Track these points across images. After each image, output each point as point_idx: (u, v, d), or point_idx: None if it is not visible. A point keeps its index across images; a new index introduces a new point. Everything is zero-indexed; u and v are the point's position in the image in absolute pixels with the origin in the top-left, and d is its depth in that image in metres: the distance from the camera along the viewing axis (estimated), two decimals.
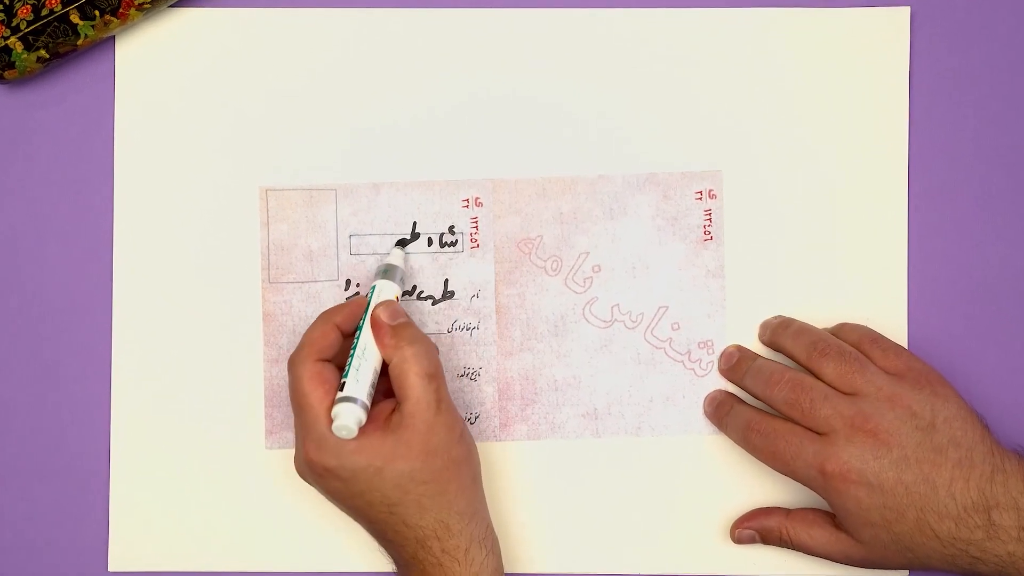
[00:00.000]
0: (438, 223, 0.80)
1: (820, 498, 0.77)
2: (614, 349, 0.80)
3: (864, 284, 0.80)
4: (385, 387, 0.74)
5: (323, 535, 0.80)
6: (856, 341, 0.77)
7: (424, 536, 0.72)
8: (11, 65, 0.77)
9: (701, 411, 0.80)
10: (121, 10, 0.77)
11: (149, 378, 0.80)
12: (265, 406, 0.80)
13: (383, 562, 0.77)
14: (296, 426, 0.73)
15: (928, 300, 0.80)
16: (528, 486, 0.81)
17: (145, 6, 0.78)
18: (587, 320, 0.80)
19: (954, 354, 0.80)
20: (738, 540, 0.78)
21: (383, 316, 0.74)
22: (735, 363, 0.79)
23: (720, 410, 0.79)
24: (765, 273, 0.80)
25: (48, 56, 0.77)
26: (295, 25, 0.80)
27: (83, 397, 0.80)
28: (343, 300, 0.80)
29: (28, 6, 0.77)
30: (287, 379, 0.74)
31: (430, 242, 0.80)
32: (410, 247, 0.80)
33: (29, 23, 0.77)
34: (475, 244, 0.80)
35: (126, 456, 0.80)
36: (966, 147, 0.80)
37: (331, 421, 0.71)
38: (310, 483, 0.74)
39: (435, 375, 0.72)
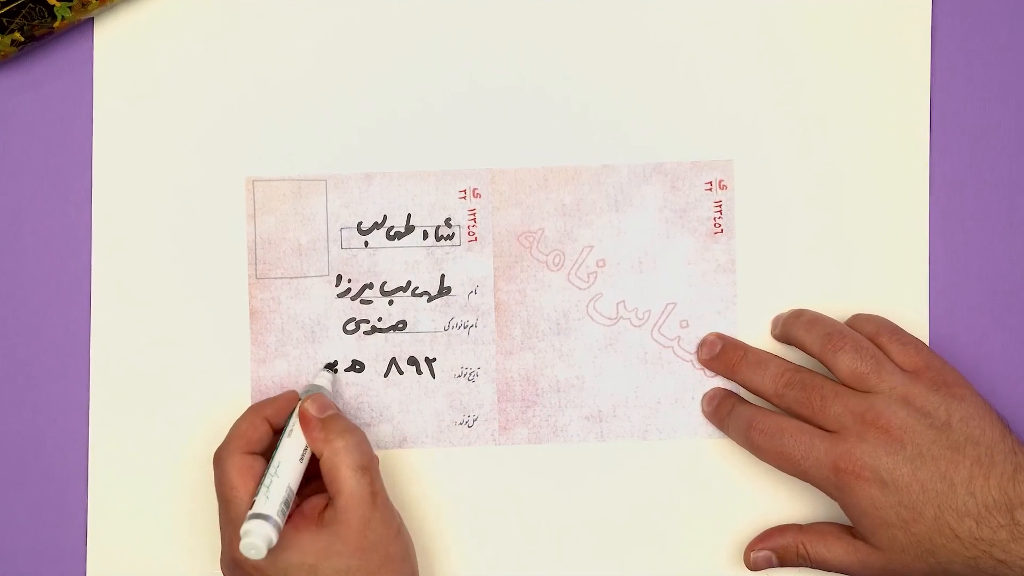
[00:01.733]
0: (434, 215, 0.79)
1: (834, 509, 0.76)
2: (620, 348, 0.79)
3: (883, 279, 0.79)
4: (316, 483, 0.74)
5: None
6: (873, 333, 0.76)
7: None
8: None
9: None
10: None
11: (129, 379, 0.79)
12: None
13: None
14: (222, 523, 0.73)
15: (951, 296, 0.79)
16: (529, 492, 0.79)
17: None
18: (591, 317, 0.79)
19: (977, 352, 0.79)
20: (754, 565, 0.77)
21: (312, 409, 0.73)
22: (719, 352, 0.78)
23: (720, 409, 0.77)
24: (778, 267, 0.79)
25: (23, 39, 0.77)
26: (284, 6, 0.79)
27: (60, 398, 0.79)
28: (333, 296, 0.79)
29: None
30: (214, 473, 0.73)
31: (425, 235, 0.79)
32: (405, 239, 0.78)
33: (3, 4, 0.76)
34: (473, 237, 0.79)
35: (105, 460, 0.79)
36: (990, 134, 0.80)
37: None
38: None
39: (368, 467, 0.72)
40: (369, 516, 0.71)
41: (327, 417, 0.73)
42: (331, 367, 0.78)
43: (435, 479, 0.79)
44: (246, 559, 0.70)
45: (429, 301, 0.79)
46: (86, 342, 0.79)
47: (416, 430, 0.79)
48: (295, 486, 0.71)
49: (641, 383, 0.78)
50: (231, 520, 0.71)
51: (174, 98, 0.79)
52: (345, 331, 0.78)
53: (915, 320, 0.78)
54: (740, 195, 0.79)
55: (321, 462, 0.72)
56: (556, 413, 0.79)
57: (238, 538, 0.70)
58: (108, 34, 0.79)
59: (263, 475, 0.71)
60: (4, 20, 0.76)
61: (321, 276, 0.79)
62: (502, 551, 0.79)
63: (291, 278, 0.79)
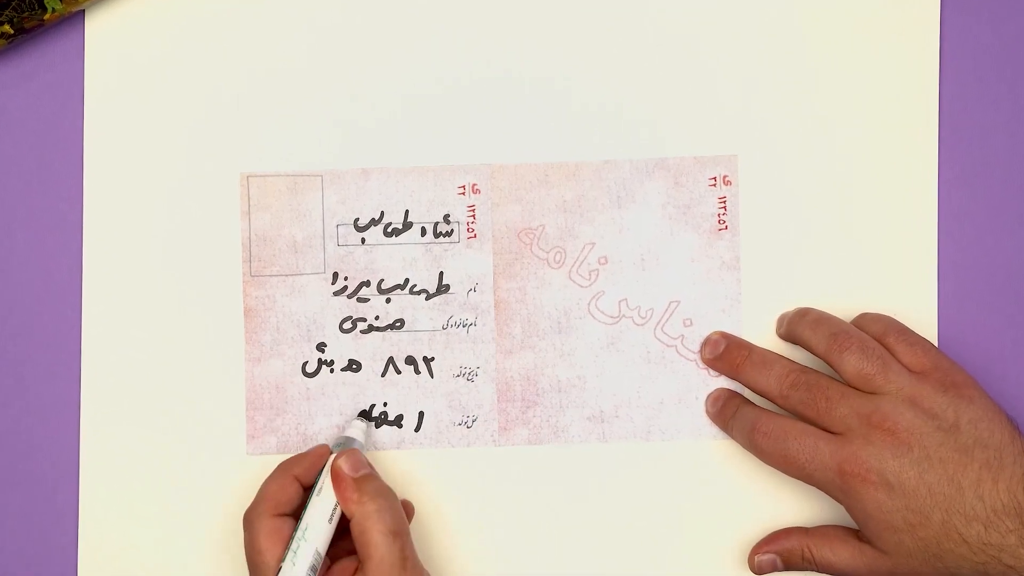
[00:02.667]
0: (432, 212, 0.78)
1: (841, 511, 0.75)
2: (622, 347, 0.78)
3: (891, 277, 0.78)
4: (346, 541, 0.73)
5: None
6: (880, 333, 0.75)
7: None
8: None
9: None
10: None
11: (121, 379, 0.79)
12: (247, 409, 0.78)
13: None
14: None
15: (960, 294, 0.79)
16: (529, 494, 0.78)
17: None
18: (592, 316, 0.78)
19: (987, 352, 0.79)
20: (759, 568, 0.76)
21: (345, 467, 0.72)
22: (723, 352, 0.77)
23: (725, 411, 0.77)
24: (784, 265, 0.78)
25: (13, 32, 0.77)
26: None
27: (51, 397, 0.79)
28: (329, 294, 0.78)
29: None
30: (243, 534, 0.72)
31: (423, 232, 0.78)
32: (403, 236, 0.78)
33: None
34: (472, 234, 0.78)
35: (96, 463, 0.78)
36: (999, 130, 0.79)
37: None
38: None
39: (400, 532, 0.71)
40: None
41: (360, 477, 0.72)
42: (365, 415, 0.77)
43: (434, 481, 0.78)
44: None
45: (427, 299, 0.78)
46: (77, 340, 0.78)
47: (414, 431, 0.78)
48: (323, 550, 0.71)
49: (644, 383, 0.77)
50: None
51: (167, 92, 0.79)
52: (341, 330, 0.77)
53: (923, 319, 0.78)
54: (745, 191, 0.78)
55: (352, 524, 0.71)
56: (557, 413, 0.77)
57: None
58: (99, 27, 0.79)
59: (291, 538, 0.70)
60: None
61: (317, 273, 0.78)
62: (502, 554, 0.78)
63: (286, 275, 0.78)
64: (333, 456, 0.73)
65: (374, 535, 0.70)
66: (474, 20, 0.78)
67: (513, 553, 0.78)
